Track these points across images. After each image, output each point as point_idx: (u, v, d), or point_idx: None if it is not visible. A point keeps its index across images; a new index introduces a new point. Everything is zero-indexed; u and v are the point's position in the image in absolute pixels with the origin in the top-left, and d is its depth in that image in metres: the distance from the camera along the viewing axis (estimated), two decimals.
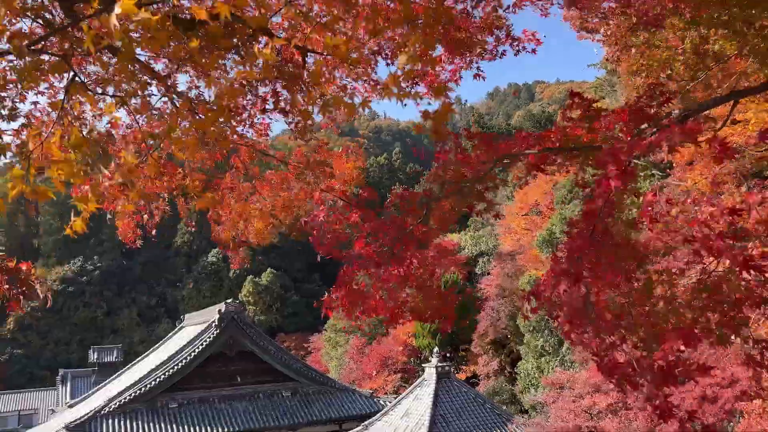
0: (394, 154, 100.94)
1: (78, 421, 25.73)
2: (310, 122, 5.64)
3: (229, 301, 32.15)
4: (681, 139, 3.12)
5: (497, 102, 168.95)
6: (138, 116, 3.62)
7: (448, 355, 35.89)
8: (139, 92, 3.58)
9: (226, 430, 27.59)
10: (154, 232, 7.10)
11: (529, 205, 40.21)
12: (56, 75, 3.45)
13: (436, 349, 28.56)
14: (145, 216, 6.71)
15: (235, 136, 5.87)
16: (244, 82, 5.08)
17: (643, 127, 4.15)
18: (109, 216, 6.69)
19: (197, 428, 27.15)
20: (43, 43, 3.31)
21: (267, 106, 6.18)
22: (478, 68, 6.52)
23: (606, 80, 34.91)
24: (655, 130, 4.14)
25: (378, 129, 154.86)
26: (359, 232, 4.45)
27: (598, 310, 3.54)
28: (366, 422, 26.27)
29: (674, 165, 19.55)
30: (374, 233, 4.31)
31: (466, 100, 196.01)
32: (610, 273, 3.54)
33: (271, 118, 6.07)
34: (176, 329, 39.45)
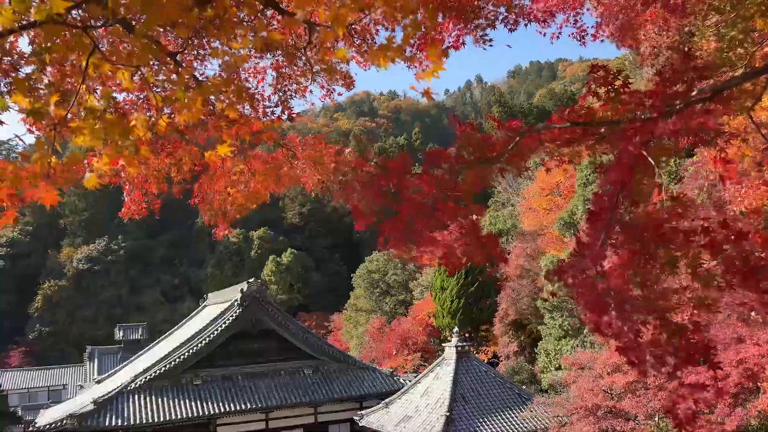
0: (413, 135, 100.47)
1: (105, 397, 26.42)
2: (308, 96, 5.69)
3: (251, 280, 32.53)
4: (698, 127, 3.09)
5: (519, 81, 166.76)
6: (149, 88, 3.65)
7: (468, 335, 36.02)
8: (153, 65, 3.63)
9: (249, 406, 28.13)
10: (158, 208, 7.22)
11: (551, 185, 39.86)
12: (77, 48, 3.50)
13: (455, 328, 28.68)
14: (151, 190, 6.78)
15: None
16: (252, 54, 5.12)
17: (674, 103, 4.08)
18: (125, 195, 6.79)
19: (221, 405, 27.73)
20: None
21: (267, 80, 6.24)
22: (483, 36, 6.46)
23: (630, 57, 34.26)
24: (683, 106, 4.07)
25: (397, 109, 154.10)
26: (398, 189, 4.47)
27: (617, 295, 3.55)
28: (386, 400, 26.57)
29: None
30: (416, 188, 4.34)
31: (487, 81, 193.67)
32: (628, 254, 3.55)
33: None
34: (199, 308, 40.11)
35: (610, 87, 4.27)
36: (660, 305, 3.69)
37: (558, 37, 7.39)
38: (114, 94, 4.16)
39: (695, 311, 3.63)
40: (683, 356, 3.63)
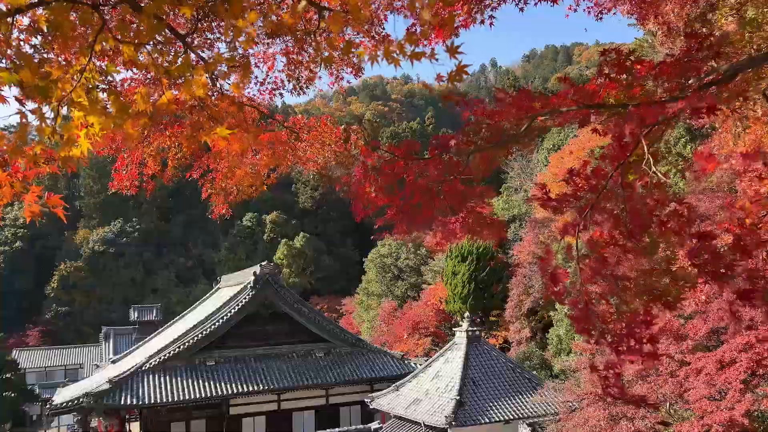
0: (426, 119, 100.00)
1: (121, 376, 26.86)
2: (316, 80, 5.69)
3: (264, 263, 32.76)
4: (701, 105, 3.07)
5: (534, 65, 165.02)
6: (154, 65, 3.65)
7: (478, 320, 36.08)
8: (159, 44, 3.64)
9: (261, 387, 28.47)
10: (151, 189, 7.28)
11: (565, 171, 39.56)
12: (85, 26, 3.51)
13: (466, 313, 28.74)
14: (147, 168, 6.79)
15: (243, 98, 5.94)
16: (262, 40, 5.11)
17: (689, 82, 4.03)
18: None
19: (234, 385, 28.08)
20: None
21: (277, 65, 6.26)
22: (491, 17, 6.42)
23: (646, 41, 33.72)
24: (697, 87, 4.02)
25: (411, 93, 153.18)
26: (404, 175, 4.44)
27: (590, 266, 3.59)
28: (397, 383, 26.76)
29: (717, 126, 18.92)
30: (420, 173, 4.32)
31: (501, 66, 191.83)
32: (608, 231, 3.57)
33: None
34: (213, 290, 40.47)
35: (622, 68, 4.23)
36: (622, 285, 3.73)
37: (574, 10, 7.34)
38: (119, 72, 4.19)
39: (651, 303, 3.67)
40: (619, 342, 3.69)
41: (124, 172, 6.77)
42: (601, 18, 7.59)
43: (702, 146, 22.20)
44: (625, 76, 3.84)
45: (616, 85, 3.87)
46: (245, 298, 30.51)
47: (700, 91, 3.69)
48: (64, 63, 3.54)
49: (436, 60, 3.38)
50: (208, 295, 40.48)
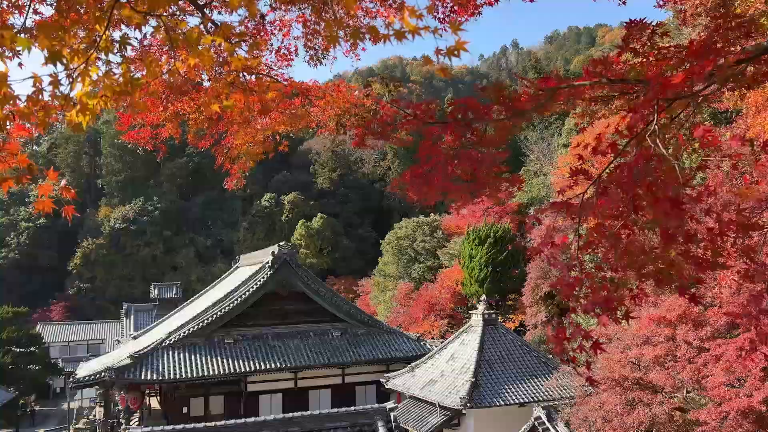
0: (446, 101, 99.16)
1: (141, 352, 27.37)
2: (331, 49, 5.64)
3: (282, 243, 32.98)
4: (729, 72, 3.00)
5: (556, 46, 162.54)
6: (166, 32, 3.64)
7: (495, 303, 36.03)
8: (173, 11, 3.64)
9: (278, 365, 28.84)
10: (163, 151, 7.41)
11: (586, 154, 39.05)
12: None
13: (483, 296, 28.72)
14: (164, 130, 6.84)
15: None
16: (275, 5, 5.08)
17: (719, 62, 3.92)
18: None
19: (251, 363, 28.47)
20: None
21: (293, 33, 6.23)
22: None
23: (672, 22, 32.95)
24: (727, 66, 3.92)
25: (430, 74, 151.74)
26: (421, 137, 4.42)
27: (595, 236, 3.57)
28: (412, 364, 26.93)
29: (743, 112, 18.49)
30: (439, 136, 4.29)
31: (523, 47, 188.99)
32: (609, 203, 3.54)
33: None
34: (231, 269, 40.90)
35: (648, 42, 4.15)
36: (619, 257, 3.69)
37: None
38: (132, 45, 4.21)
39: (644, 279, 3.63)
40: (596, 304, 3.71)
41: (131, 129, 6.88)
42: (624, 2, 7.41)
43: (726, 129, 21.75)
44: (651, 49, 3.77)
45: (640, 62, 3.79)
46: (263, 278, 30.80)
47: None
48: (78, 29, 3.55)
49: (441, 35, 3.34)
50: (227, 274, 40.93)
